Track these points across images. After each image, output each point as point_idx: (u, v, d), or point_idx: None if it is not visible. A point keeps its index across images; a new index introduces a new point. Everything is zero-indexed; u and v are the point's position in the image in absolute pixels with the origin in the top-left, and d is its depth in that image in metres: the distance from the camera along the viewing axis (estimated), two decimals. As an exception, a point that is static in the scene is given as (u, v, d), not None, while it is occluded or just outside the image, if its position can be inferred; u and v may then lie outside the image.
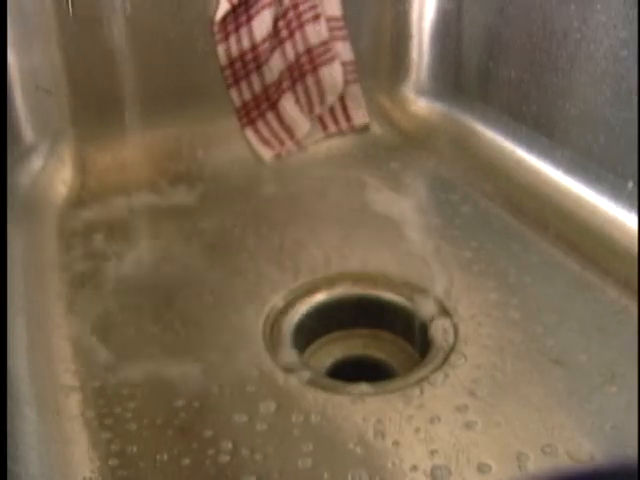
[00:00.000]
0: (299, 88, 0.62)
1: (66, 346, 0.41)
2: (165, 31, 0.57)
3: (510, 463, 0.34)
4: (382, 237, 0.51)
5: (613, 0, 0.47)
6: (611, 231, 0.49)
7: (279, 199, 0.56)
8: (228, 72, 0.59)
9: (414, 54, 0.64)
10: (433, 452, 0.35)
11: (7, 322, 0.39)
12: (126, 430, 0.36)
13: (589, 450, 0.35)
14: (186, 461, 0.34)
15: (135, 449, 0.35)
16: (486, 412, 0.37)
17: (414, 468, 0.34)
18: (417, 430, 0.36)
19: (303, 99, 0.62)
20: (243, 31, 0.58)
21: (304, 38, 0.60)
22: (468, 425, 0.36)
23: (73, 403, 0.37)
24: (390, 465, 0.34)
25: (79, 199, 0.55)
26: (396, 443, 0.35)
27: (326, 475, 0.34)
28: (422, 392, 0.38)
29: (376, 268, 0.48)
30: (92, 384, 0.39)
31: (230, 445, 0.35)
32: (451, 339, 0.42)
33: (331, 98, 0.62)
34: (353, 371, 0.43)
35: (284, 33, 0.60)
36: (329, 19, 0.61)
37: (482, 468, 0.34)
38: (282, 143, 0.61)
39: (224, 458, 0.35)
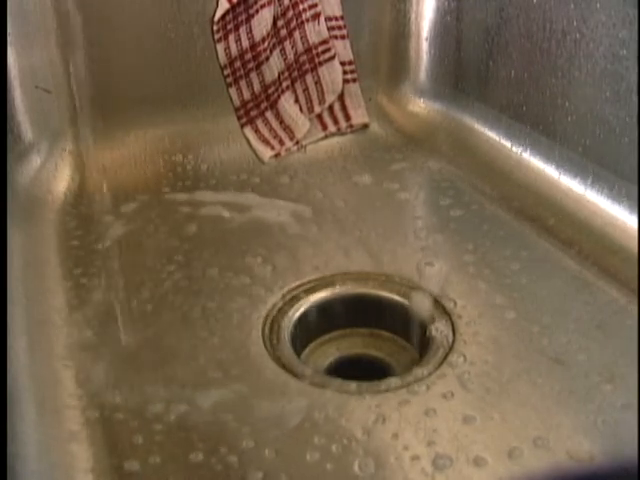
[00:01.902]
0: (298, 87, 0.62)
1: (66, 344, 0.41)
2: (165, 30, 0.57)
3: (508, 460, 0.34)
4: (381, 236, 0.51)
5: (612, -1, 0.47)
6: (610, 231, 0.49)
7: (278, 198, 0.56)
8: (227, 71, 0.59)
9: (413, 54, 0.64)
10: (433, 449, 0.35)
11: (7, 321, 0.39)
12: (128, 428, 0.36)
13: (588, 449, 0.35)
14: (191, 459, 0.34)
15: (138, 446, 0.35)
16: (485, 410, 0.37)
17: (416, 458, 0.34)
18: (417, 427, 0.36)
19: (302, 98, 0.62)
20: (242, 30, 0.58)
21: (304, 37, 0.60)
22: (467, 423, 0.36)
23: (73, 401, 0.37)
24: (393, 459, 0.34)
25: (78, 198, 0.55)
26: (397, 439, 0.35)
27: (332, 467, 0.34)
28: (421, 390, 0.38)
29: (375, 267, 0.48)
30: (92, 382, 0.39)
31: (233, 442, 0.35)
32: (450, 338, 0.42)
33: (331, 97, 0.62)
34: (352, 370, 0.43)
35: (283, 32, 0.60)
36: (329, 18, 0.61)
37: (479, 463, 0.34)
38: (281, 142, 0.61)
39: (229, 456, 0.34)
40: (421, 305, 0.44)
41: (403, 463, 0.34)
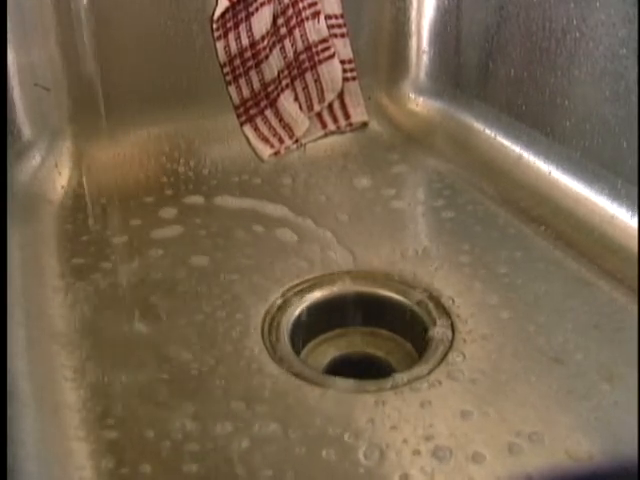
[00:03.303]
0: (298, 86, 0.62)
1: (65, 343, 0.41)
2: (164, 28, 0.57)
3: (507, 458, 0.34)
4: (380, 235, 0.51)
5: (612, -2, 0.47)
6: (610, 230, 0.49)
7: (277, 197, 0.56)
8: (227, 69, 0.59)
9: (413, 52, 0.64)
10: (431, 445, 0.35)
11: (7, 320, 0.39)
12: (127, 427, 0.36)
13: (587, 448, 0.35)
14: (190, 458, 0.34)
15: (136, 446, 0.35)
16: (484, 408, 0.37)
17: (416, 453, 0.34)
18: (416, 425, 0.36)
19: (302, 97, 0.62)
20: (242, 28, 0.58)
21: (303, 36, 0.60)
22: (466, 422, 0.36)
23: (72, 401, 0.37)
24: (394, 455, 0.34)
25: (77, 196, 0.55)
26: (397, 437, 0.35)
27: (336, 464, 0.34)
28: (421, 389, 0.38)
29: (374, 266, 0.48)
30: (91, 382, 0.39)
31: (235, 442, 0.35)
32: (449, 337, 0.42)
33: (330, 96, 0.62)
34: (352, 369, 0.43)
35: (283, 30, 0.60)
36: (328, 16, 0.61)
37: (478, 459, 0.34)
38: (281, 141, 0.61)
39: (230, 455, 0.34)
40: (421, 303, 0.44)
41: (403, 459, 0.34)
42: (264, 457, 0.34)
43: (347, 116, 0.63)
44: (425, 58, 0.64)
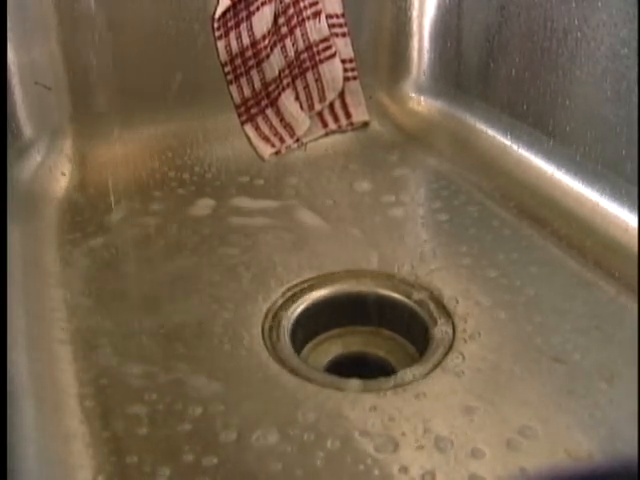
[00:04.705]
0: (299, 85, 0.62)
1: (66, 342, 0.41)
2: (165, 27, 0.57)
3: (506, 455, 0.34)
4: (381, 235, 0.51)
5: (613, -2, 0.47)
6: (611, 229, 0.49)
7: (278, 196, 0.56)
8: (228, 68, 0.59)
9: (414, 52, 0.64)
10: (431, 442, 0.35)
11: (7, 318, 0.39)
12: (127, 427, 0.36)
13: (587, 447, 0.35)
14: (200, 455, 0.34)
15: (138, 443, 0.35)
16: (484, 408, 0.37)
17: (420, 449, 0.35)
18: (416, 424, 0.36)
19: (303, 96, 0.62)
20: (243, 27, 0.58)
21: (304, 35, 0.60)
22: (465, 421, 0.36)
23: (72, 399, 0.37)
24: (394, 452, 0.35)
25: (77, 195, 0.55)
26: (397, 435, 0.35)
27: (333, 462, 0.34)
28: (421, 388, 0.38)
29: (375, 265, 0.48)
30: (92, 380, 0.39)
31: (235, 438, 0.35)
32: (450, 337, 0.42)
33: (331, 95, 0.62)
34: (352, 368, 0.43)
35: (284, 30, 0.60)
36: (329, 16, 0.61)
37: (478, 455, 0.34)
38: (282, 140, 0.61)
39: (237, 453, 0.35)
40: (421, 303, 0.44)
41: (404, 455, 0.34)
42: (271, 454, 0.35)
43: (348, 115, 0.63)
44: (426, 58, 0.64)
